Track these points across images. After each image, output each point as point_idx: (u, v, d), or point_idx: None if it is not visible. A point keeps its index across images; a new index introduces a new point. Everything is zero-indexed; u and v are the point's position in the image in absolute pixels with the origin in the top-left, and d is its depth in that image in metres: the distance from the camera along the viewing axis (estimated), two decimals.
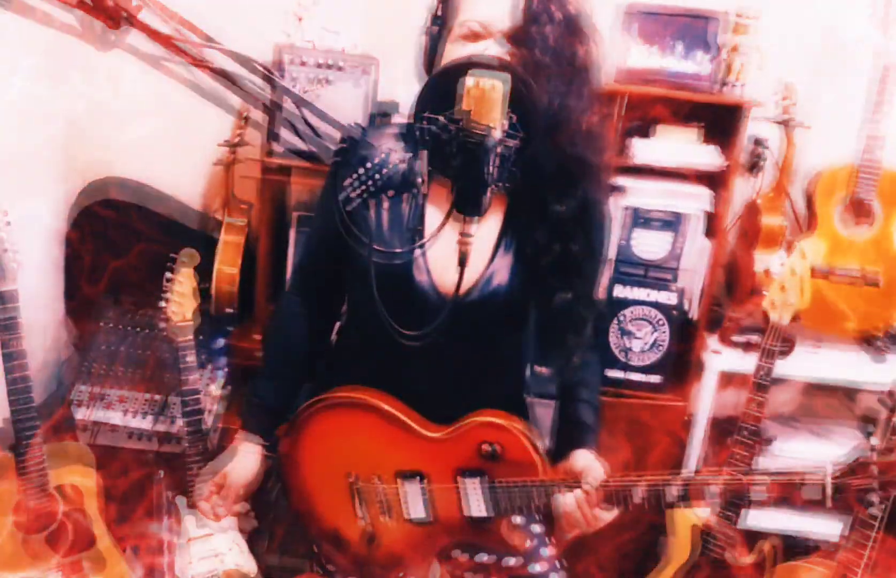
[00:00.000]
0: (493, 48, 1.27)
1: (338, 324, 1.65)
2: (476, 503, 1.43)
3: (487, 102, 0.99)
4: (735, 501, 2.10)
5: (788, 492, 1.26)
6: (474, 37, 1.29)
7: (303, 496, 1.56)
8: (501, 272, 1.39)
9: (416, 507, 1.47)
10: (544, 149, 1.29)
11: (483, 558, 1.55)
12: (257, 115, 2.42)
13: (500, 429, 1.40)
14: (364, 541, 1.51)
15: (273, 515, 2.63)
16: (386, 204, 1.37)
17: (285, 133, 2.27)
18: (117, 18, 0.70)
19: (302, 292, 1.59)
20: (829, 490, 1.22)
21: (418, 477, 1.46)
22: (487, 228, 1.37)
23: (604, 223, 1.48)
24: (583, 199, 1.37)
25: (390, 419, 1.45)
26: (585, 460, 1.40)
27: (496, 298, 1.39)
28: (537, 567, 1.54)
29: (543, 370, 1.47)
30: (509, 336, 1.45)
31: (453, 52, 1.30)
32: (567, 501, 1.35)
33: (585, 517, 1.35)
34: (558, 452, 1.46)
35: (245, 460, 1.51)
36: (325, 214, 1.48)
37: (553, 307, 1.40)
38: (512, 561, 1.53)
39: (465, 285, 1.34)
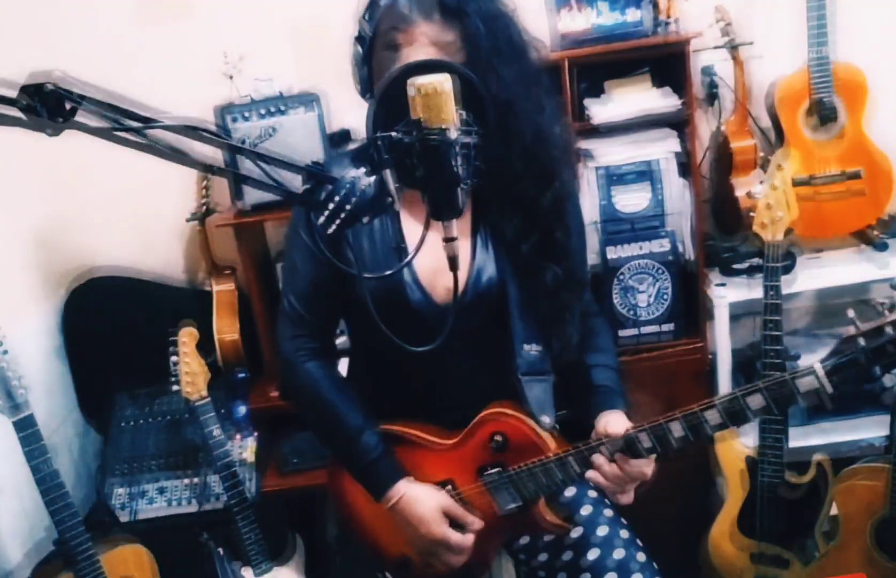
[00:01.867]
0: (421, 52, 1.29)
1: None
2: (504, 496, 1.45)
3: (435, 104, 0.98)
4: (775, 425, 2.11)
5: (784, 392, 1.23)
6: (400, 45, 1.31)
7: (357, 527, 1.58)
8: (487, 267, 1.43)
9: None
10: (502, 136, 1.30)
11: (524, 541, 1.58)
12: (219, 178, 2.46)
13: (502, 418, 1.44)
14: (423, 558, 1.52)
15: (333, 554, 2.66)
16: (364, 231, 1.42)
17: (248, 189, 2.31)
18: (56, 124, 0.72)
19: (313, 349, 1.54)
20: (821, 374, 1.20)
21: (448, 485, 1.48)
22: (460, 227, 1.39)
23: (575, 194, 1.50)
24: (549, 174, 1.40)
25: (412, 440, 1.49)
26: (605, 420, 1.42)
27: (488, 292, 1.43)
28: (599, 532, 1.55)
29: (532, 348, 1.47)
30: (502, 325, 1.46)
31: (385, 63, 1.32)
32: (596, 466, 1.36)
33: (621, 473, 1.35)
34: (589, 423, 1.47)
35: (429, 492, 1.47)
36: (304, 260, 1.49)
37: (543, 291, 1.42)
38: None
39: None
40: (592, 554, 1.51)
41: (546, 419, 1.43)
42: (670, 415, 1.29)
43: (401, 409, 1.51)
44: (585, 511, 1.57)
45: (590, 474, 1.38)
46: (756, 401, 1.24)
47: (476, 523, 1.46)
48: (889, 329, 1.18)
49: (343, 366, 1.72)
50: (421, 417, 1.51)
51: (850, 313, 1.27)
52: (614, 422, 1.40)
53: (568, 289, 1.44)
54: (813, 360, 2.37)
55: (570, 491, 1.59)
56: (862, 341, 1.19)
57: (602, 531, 1.54)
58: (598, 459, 1.36)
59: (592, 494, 1.60)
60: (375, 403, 1.53)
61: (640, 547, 1.53)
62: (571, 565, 1.53)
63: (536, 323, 1.45)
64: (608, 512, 1.57)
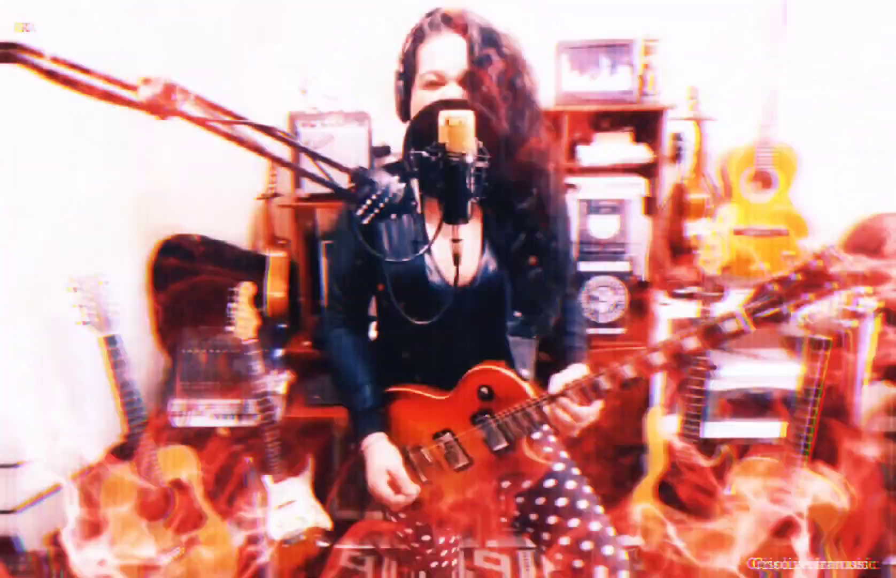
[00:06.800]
0: (450, 91, 1.30)
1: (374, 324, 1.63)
2: (493, 437, 1.43)
3: (459, 134, 0.98)
4: (694, 415, 2.12)
5: (713, 334, 1.19)
6: (434, 85, 1.32)
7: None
8: (491, 263, 1.43)
9: (456, 457, 1.48)
10: (505, 164, 1.30)
11: (526, 484, 1.54)
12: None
13: (490, 373, 1.42)
14: (430, 498, 1.50)
15: (337, 481, 2.69)
16: (392, 225, 1.44)
17: (305, 181, 2.36)
18: (163, 113, 0.74)
19: (343, 319, 1.57)
20: (741, 316, 1.17)
21: (448, 433, 1.47)
22: (474, 232, 1.42)
23: (561, 214, 1.47)
24: (538, 197, 1.39)
25: (416, 398, 1.49)
26: (562, 374, 1.39)
27: (491, 281, 1.43)
28: (558, 466, 1.53)
29: (518, 316, 1.44)
30: (500, 305, 1.46)
31: (421, 98, 1.33)
32: (552, 410, 1.35)
33: (568, 416, 1.34)
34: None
35: (388, 452, 1.47)
36: (346, 244, 1.52)
37: (528, 282, 1.41)
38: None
39: (467, 277, 1.40)
40: (549, 483, 1.51)
41: (525, 372, 1.42)
42: (623, 361, 1.27)
43: (413, 371, 1.50)
44: (549, 450, 1.56)
45: (556, 412, 1.35)
46: (691, 343, 1.22)
47: (411, 490, 1.45)
48: (794, 275, 1.16)
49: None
50: (430, 378, 1.49)
51: (761, 264, 1.23)
52: (574, 371, 1.38)
53: (550, 281, 1.43)
54: (729, 370, 2.44)
55: (536, 435, 1.58)
56: (773, 286, 1.16)
57: (559, 468, 1.54)
58: (558, 403, 1.34)
59: (552, 440, 1.59)
60: (394, 365, 1.52)
61: (586, 483, 1.53)
62: (535, 492, 1.53)
63: (524, 302, 1.44)
64: (564, 454, 1.57)
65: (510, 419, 1.40)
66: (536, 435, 1.59)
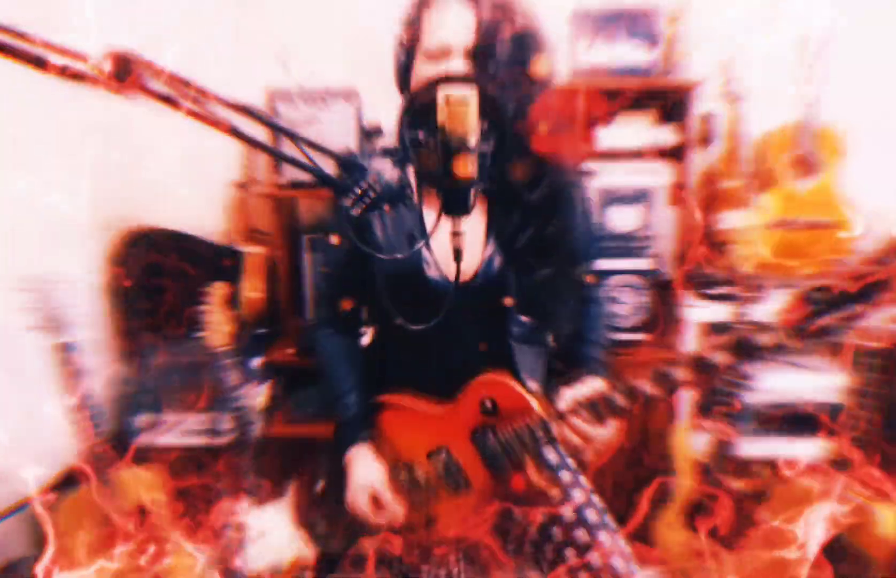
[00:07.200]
0: (456, 64, 1.28)
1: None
2: (493, 458, 1.39)
3: (460, 113, 0.99)
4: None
5: (746, 348, 1.16)
6: (438, 57, 1.30)
7: None
8: (496, 258, 1.41)
9: (453, 480, 1.44)
10: (512, 149, 1.27)
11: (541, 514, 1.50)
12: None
13: (496, 384, 1.39)
14: (424, 524, 1.48)
15: (320, 508, 2.67)
16: (387, 216, 1.42)
17: (286, 166, 2.34)
18: (126, 90, 0.73)
19: (332, 318, 1.57)
20: (780, 329, 1.15)
21: (444, 452, 1.44)
22: (476, 223, 1.41)
23: (576, 205, 1.45)
24: (550, 188, 1.37)
25: (409, 409, 1.47)
26: (573, 389, 1.36)
27: (494, 279, 1.41)
28: (575, 496, 1.50)
29: (526, 320, 1.44)
30: (503, 305, 1.44)
31: (422, 71, 1.32)
32: (560, 430, 1.33)
33: (580, 437, 1.32)
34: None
35: (371, 467, 1.47)
36: (335, 248, 1.53)
37: (536, 284, 1.40)
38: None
39: (468, 273, 1.39)
40: (567, 514, 1.47)
41: (533, 385, 1.40)
42: (641, 375, 1.25)
43: (407, 378, 1.49)
44: (566, 477, 1.54)
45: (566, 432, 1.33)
46: (720, 357, 1.19)
47: (396, 510, 1.43)
48: (844, 284, 1.13)
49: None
50: (424, 387, 1.47)
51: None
52: (587, 386, 1.35)
53: (562, 284, 1.41)
54: (766, 380, 2.43)
55: (552, 457, 1.55)
56: (819, 295, 1.14)
57: (578, 497, 1.50)
58: (573, 422, 1.31)
59: (570, 464, 1.56)
60: (388, 374, 1.51)
61: (608, 515, 1.49)
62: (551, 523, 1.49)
63: (532, 306, 1.42)
64: (583, 480, 1.53)
65: (514, 438, 1.36)
66: (552, 458, 1.55)
